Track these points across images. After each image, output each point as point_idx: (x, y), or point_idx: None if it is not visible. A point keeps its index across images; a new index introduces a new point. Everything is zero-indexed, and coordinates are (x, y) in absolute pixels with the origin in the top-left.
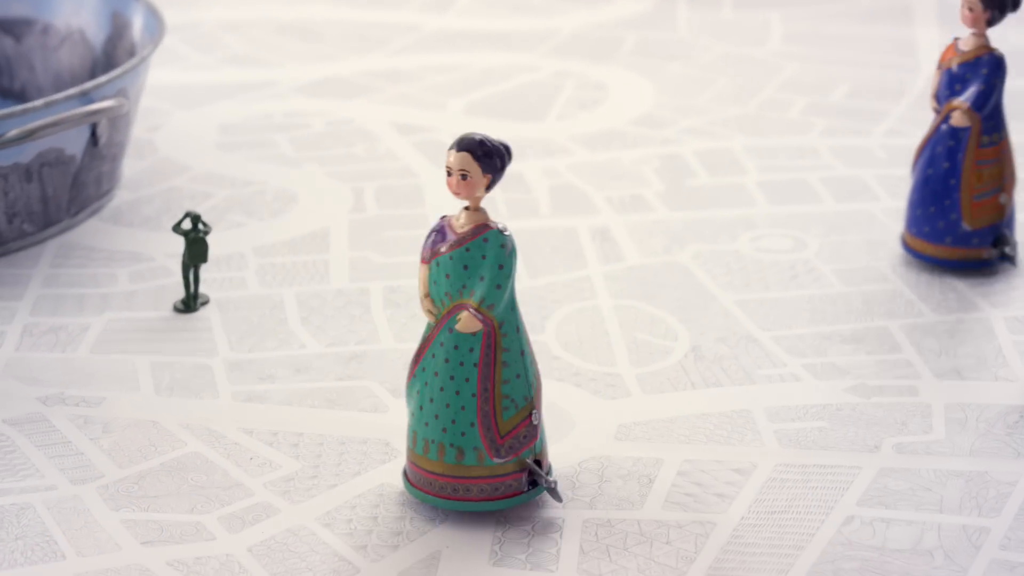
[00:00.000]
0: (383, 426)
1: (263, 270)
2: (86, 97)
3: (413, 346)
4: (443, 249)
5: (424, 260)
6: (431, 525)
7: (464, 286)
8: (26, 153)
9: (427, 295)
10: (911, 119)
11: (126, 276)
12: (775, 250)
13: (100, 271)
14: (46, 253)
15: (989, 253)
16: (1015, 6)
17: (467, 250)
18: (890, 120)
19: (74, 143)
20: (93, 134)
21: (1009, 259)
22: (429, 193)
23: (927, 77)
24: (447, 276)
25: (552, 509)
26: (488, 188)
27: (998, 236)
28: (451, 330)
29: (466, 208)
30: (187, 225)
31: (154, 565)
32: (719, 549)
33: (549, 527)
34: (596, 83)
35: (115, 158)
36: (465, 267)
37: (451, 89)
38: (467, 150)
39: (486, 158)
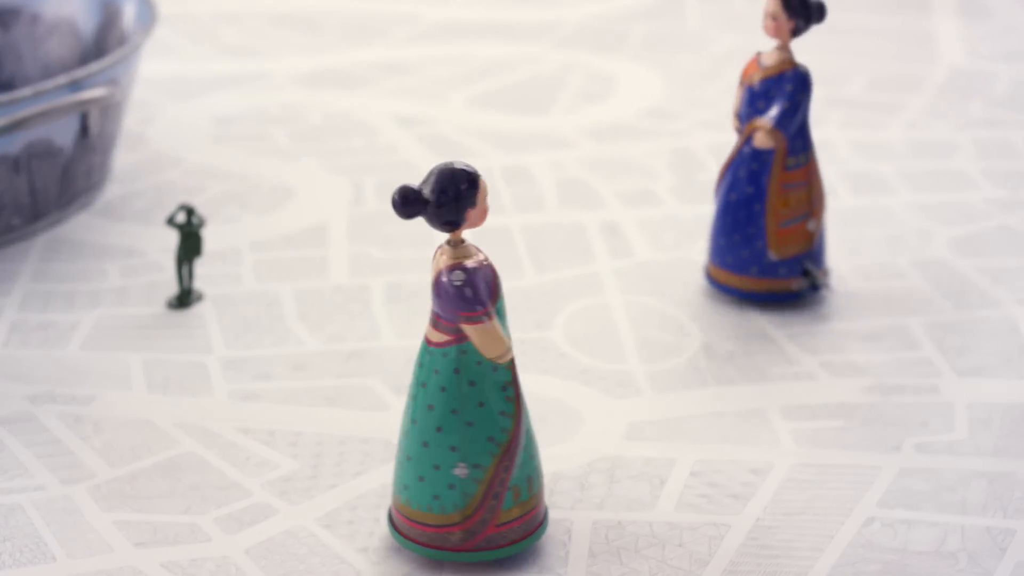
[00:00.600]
0: (384, 425)
1: (259, 265)
2: (76, 86)
3: (415, 343)
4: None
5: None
6: None
7: None
8: (14, 144)
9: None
10: (931, 111)
11: (117, 271)
12: None
13: (91, 266)
14: (35, 248)
15: (798, 284)
16: (821, 16)
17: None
18: (908, 113)
19: (64, 134)
20: (83, 125)
21: (817, 288)
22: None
23: (948, 67)
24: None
25: (559, 510)
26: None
27: (807, 265)
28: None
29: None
30: (181, 218)
31: (148, 567)
32: (734, 551)
33: (557, 529)
34: (603, 75)
35: (106, 150)
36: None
37: (453, 81)
38: None
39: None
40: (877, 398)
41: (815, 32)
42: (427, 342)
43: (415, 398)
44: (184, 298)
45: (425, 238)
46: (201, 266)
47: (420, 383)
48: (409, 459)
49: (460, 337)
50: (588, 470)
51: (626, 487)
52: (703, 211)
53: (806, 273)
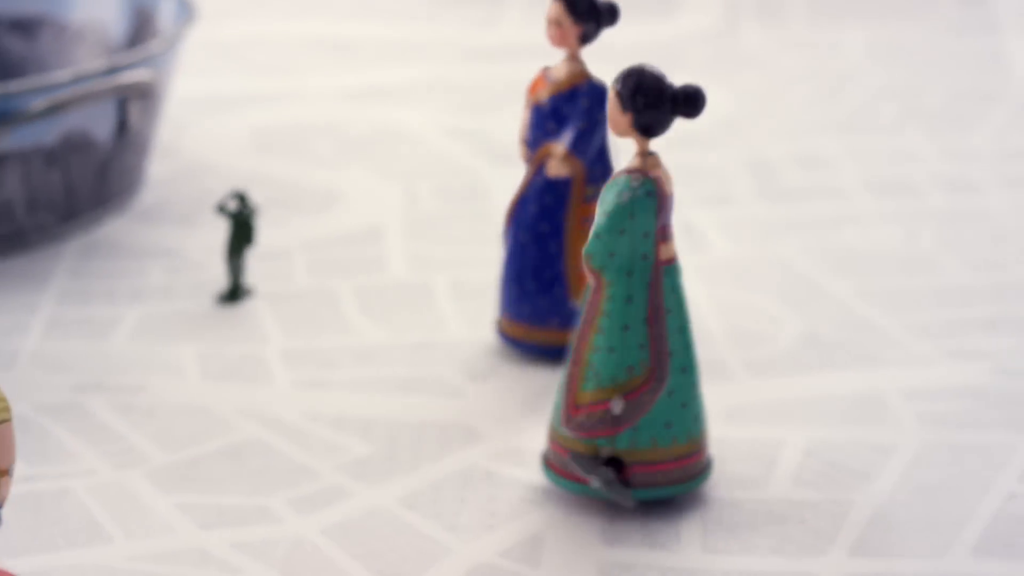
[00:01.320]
0: (463, 411)
1: (312, 263)
2: (114, 73)
3: (485, 335)
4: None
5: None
6: (529, 506)
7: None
8: (50, 133)
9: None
10: (1014, 123)
11: (159, 270)
12: (886, 242)
13: (130, 265)
14: (68, 250)
15: None
16: (612, 18)
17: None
18: (992, 122)
19: (102, 126)
20: (122, 119)
21: None
22: (492, 189)
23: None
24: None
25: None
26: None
27: None
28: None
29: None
30: (232, 206)
31: (215, 548)
32: (863, 526)
33: (663, 507)
34: None
35: (142, 151)
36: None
37: (504, 96)
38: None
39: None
40: (1003, 381)
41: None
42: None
43: (675, 319)
44: (235, 293)
45: (487, 237)
46: (250, 264)
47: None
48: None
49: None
50: None
51: (733, 467)
52: (787, 211)
53: None
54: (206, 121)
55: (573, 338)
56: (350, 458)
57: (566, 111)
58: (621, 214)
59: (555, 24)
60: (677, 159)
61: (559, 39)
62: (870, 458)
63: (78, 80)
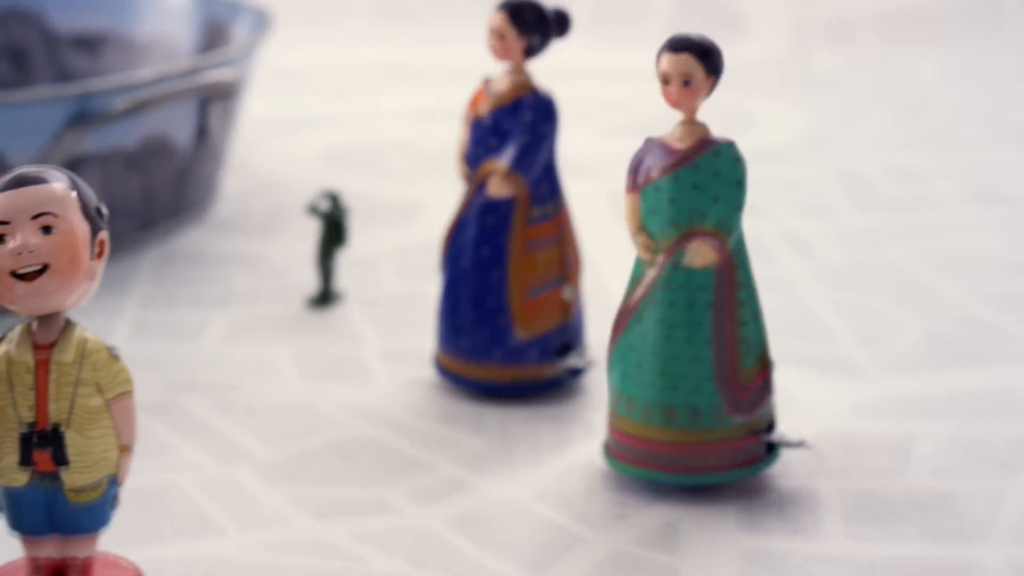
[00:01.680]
0: (576, 404)
1: (401, 269)
2: (196, 76)
3: (594, 337)
4: (656, 173)
5: (631, 189)
6: (658, 495)
7: (695, 209)
8: (130, 136)
9: (640, 229)
10: None
11: (243, 276)
12: (988, 248)
13: (212, 272)
14: (146, 259)
15: (554, 368)
16: (562, 29)
17: (695, 167)
18: None
19: (182, 131)
20: (202, 125)
21: (577, 372)
22: (576, 202)
23: None
24: (670, 201)
25: (795, 479)
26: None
27: (564, 344)
28: (678, 265)
29: (682, 122)
30: (324, 206)
31: (335, 538)
32: (1019, 514)
33: (798, 496)
34: (743, 111)
35: (219, 161)
36: (695, 187)
37: (577, 115)
38: (686, 50)
39: (704, 57)
40: None
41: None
42: None
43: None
44: (325, 296)
45: (583, 240)
46: (338, 269)
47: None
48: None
49: None
50: (819, 443)
51: (867, 458)
52: (889, 219)
53: (564, 352)
54: (277, 140)
55: (695, 334)
56: (465, 451)
57: (508, 125)
58: (746, 179)
59: (497, 36)
60: (765, 171)
61: (501, 52)
62: (1012, 449)
63: (161, 80)
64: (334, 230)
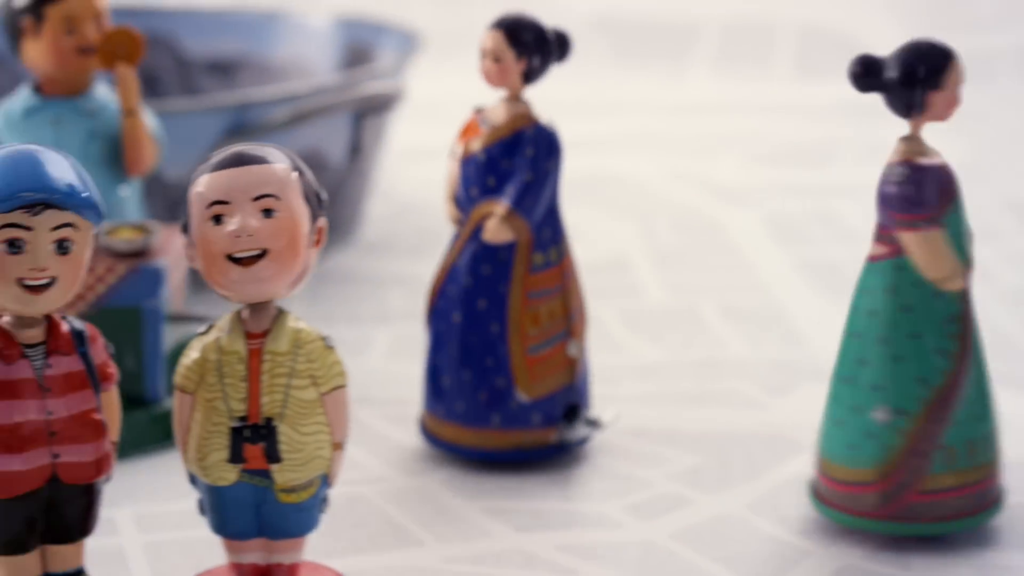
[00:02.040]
0: (774, 421)
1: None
2: (354, 88)
3: (773, 352)
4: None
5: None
6: None
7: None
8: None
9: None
10: None
11: (399, 295)
12: None
13: (367, 290)
14: None
15: (559, 434)
16: (563, 51)
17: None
18: None
19: (336, 146)
20: (356, 140)
21: (584, 439)
22: (726, 224)
23: None
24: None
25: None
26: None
27: (570, 406)
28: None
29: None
30: None
31: (541, 550)
32: None
33: (1016, 515)
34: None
35: (368, 180)
36: None
37: (723, 145)
38: (499, 27)
39: (514, 36)
40: None
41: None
42: (867, 257)
43: (845, 325)
44: None
45: (737, 265)
46: None
47: (852, 307)
48: (831, 398)
49: (898, 249)
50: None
51: None
52: None
53: (570, 415)
54: (416, 168)
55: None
56: (679, 467)
57: (506, 163)
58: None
59: (492, 58)
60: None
61: (498, 76)
62: None
63: (319, 91)
64: None
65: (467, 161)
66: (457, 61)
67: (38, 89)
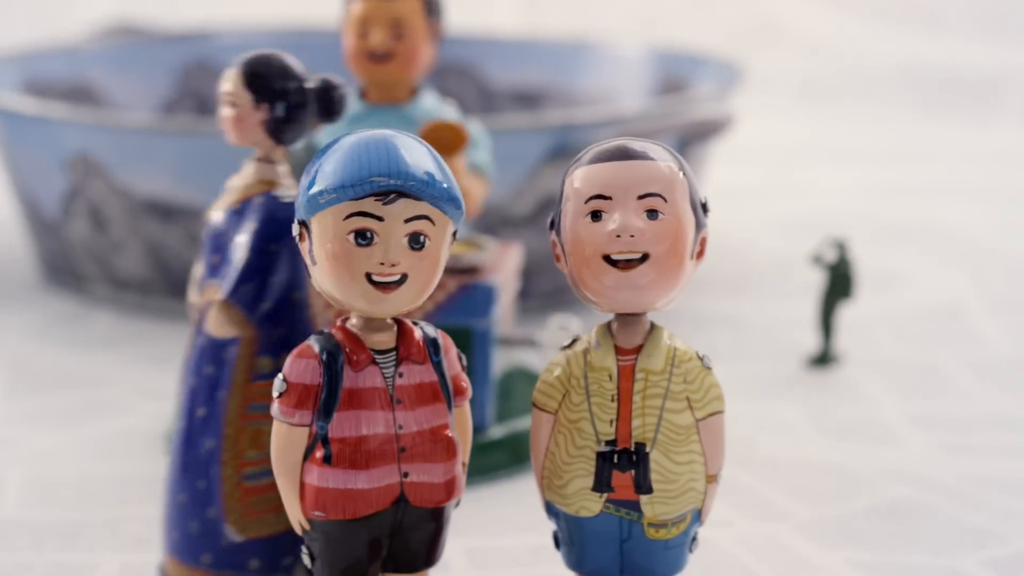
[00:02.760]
0: None
1: (897, 334)
2: (679, 112)
3: None
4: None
5: None
6: None
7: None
8: None
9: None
10: None
11: (726, 335)
12: None
13: (692, 326)
14: None
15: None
16: (328, 105)
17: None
18: None
19: None
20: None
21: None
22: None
23: None
24: None
25: None
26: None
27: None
28: None
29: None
30: (830, 256)
31: None
32: None
33: None
34: None
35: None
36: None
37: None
38: (238, 67)
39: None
40: None
41: None
42: None
43: None
44: (827, 355)
45: None
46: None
47: None
48: None
49: None
50: None
51: None
52: None
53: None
54: (722, 205)
55: None
56: None
57: (232, 234)
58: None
59: (229, 103)
60: None
61: (235, 125)
62: None
63: (646, 115)
64: (841, 282)
65: (209, 233)
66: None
67: (363, 95)
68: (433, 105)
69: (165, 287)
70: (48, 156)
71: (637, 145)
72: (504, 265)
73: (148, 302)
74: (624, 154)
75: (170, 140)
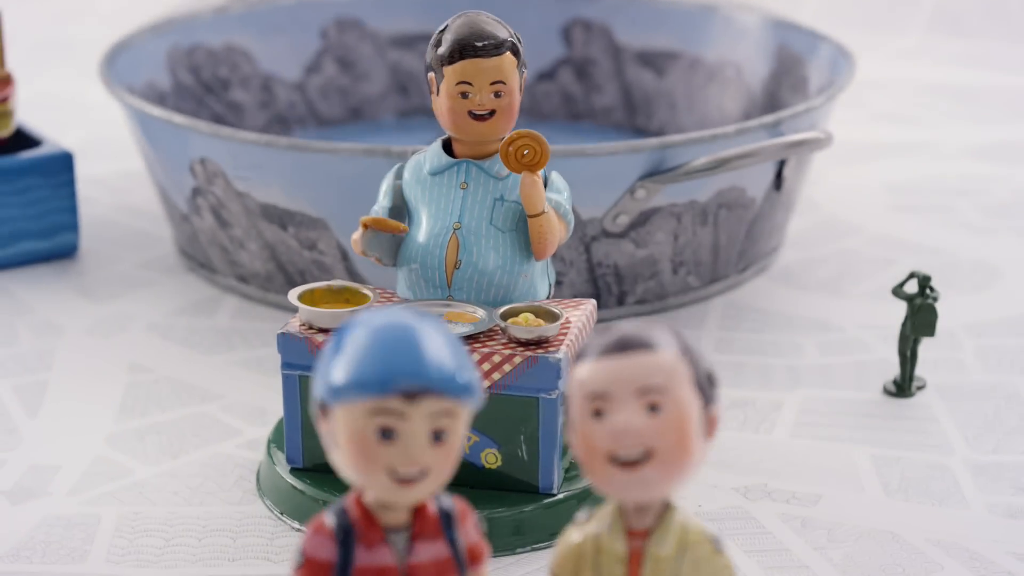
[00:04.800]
0: None
1: (983, 352)
2: (775, 129)
3: None
4: None
5: None
6: None
7: None
8: (705, 190)
9: None
10: None
11: (814, 347)
12: None
13: (781, 338)
14: (711, 313)
15: None
16: None
17: None
18: None
19: (757, 183)
20: (778, 175)
21: None
22: None
23: None
24: None
25: None
26: None
27: None
28: None
29: None
30: (912, 288)
31: None
32: None
33: None
34: None
35: (788, 209)
36: None
37: None
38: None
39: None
40: None
41: None
42: None
43: None
44: (905, 384)
45: None
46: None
47: None
48: None
49: None
50: None
51: None
52: None
53: None
54: (838, 171)
55: None
56: None
57: None
58: None
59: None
60: None
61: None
62: None
63: (741, 134)
64: (922, 315)
65: None
66: (872, 42)
67: (447, 147)
68: None
69: (284, 283)
70: (176, 156)
71: (639, 334)
72: (574, 328)
73: (268, 297)
74: (624, 346)
75: (279, 155)
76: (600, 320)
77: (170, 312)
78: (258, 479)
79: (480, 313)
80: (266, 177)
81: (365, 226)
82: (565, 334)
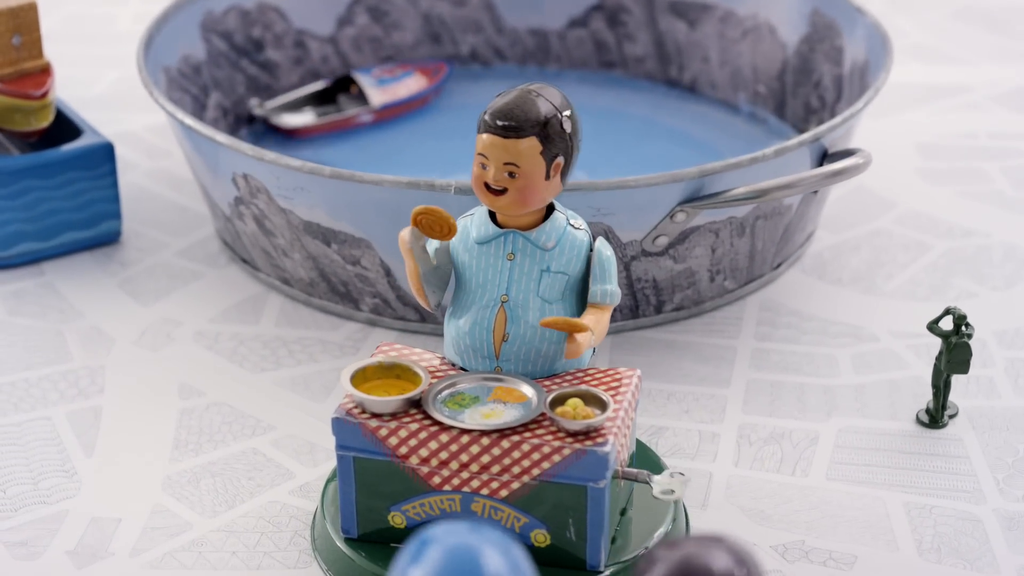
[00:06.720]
0: None
1: (1015, 367)
2: (817, 144)
3: None
4: None
5: None
6: None
7: None
8: (743, 207)
9: None
10: None
11: (848, 360)
12: None
13: (816, 351)
14: (747, 317)
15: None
16: None
17: None
18: None
19: (793, 196)
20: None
21: None
22: None
23: None
24: None
25: None
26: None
27: None
28: None
29: None
30: (947, 325)
31: None
32: None
33: None
34: None
35: (822, 202)
36: None
37: None
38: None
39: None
40: None
41: None
42: None
43: None
44: (937, 414)
45: None
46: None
47: None
48: None
49: None
50: None
51: None
52: None
53: None
54: (867, 124)
55: None
56: None
57: None
58: None
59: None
60: None
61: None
62: None
63: (780, 155)
64: (957, 354)
65: None
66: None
67: (494, 215)
68: (560, 227)
69: (327, 290)
70: (218, 167)
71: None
72: (620, 412)
73: (311, 301)
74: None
75: (322, 182)
76: (637, 328)
77: (215, 317)
78: (313, 538)
79: (529, 392)
80: (309, 199)
81: (416, 218)
82: (612, 421)
